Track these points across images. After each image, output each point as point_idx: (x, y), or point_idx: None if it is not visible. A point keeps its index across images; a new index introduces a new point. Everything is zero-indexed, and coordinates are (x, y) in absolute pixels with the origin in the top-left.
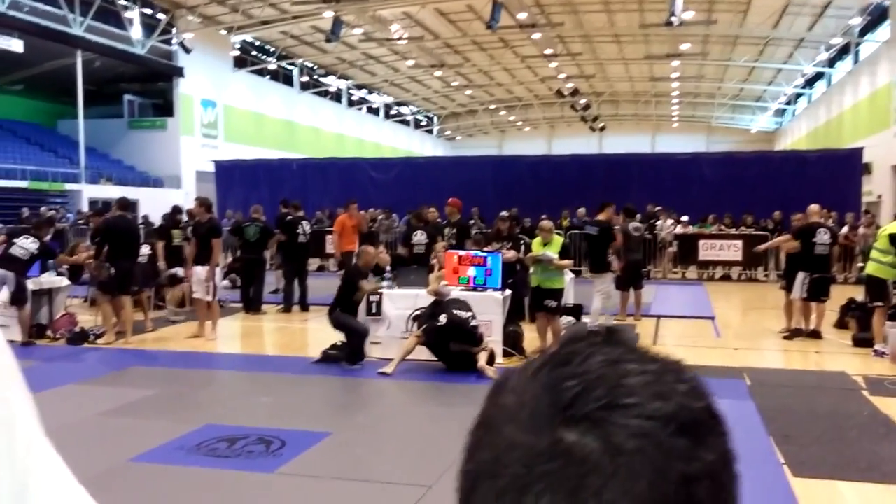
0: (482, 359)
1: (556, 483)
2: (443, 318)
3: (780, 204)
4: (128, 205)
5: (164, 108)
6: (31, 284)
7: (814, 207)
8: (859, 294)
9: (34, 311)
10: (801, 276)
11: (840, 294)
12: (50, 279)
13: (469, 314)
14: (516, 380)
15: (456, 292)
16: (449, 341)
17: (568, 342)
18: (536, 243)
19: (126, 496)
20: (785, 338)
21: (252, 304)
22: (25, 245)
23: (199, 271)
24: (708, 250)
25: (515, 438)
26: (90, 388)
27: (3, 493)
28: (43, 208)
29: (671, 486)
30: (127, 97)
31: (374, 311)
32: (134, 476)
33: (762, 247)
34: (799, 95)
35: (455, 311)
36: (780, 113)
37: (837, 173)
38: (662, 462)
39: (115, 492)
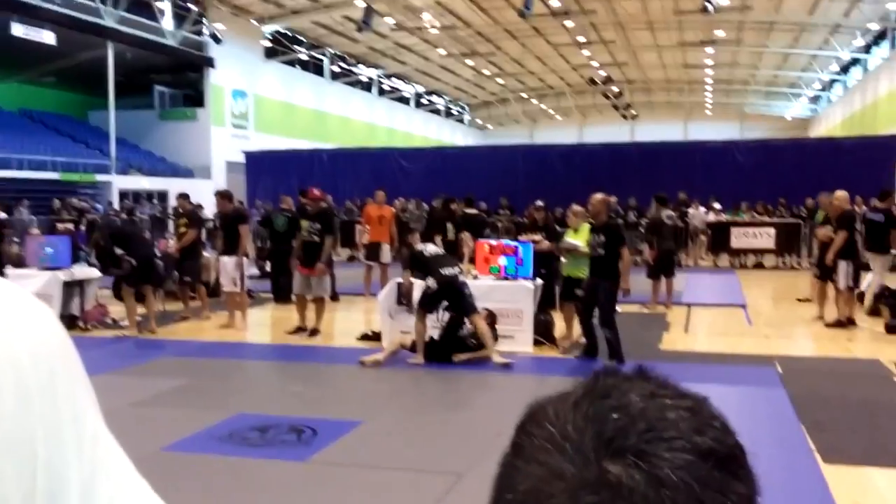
0: (494, 355)
1: None
2: (432, 283)
3: (814, 191)
4: (115, 218)
5: (195, 98)
6: (62, 275)
7: (842, 194)
8: (892, 281)
9: (66, 302)
10: (843, 264)
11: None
12: (82, 270)
13: (456, 269)
14: (554, 410)
15: (488, 282)
16: (442, 300)
17: (602, 375)
18: (569, 233)
19: (160, 485)
20: (828, 326)
21: (282, 294)
22: None
23: (227, 262)
24: (740, 238)
25: (560, 469)
26: (122, 379)
27: (74, 484)
28: (74, 199)
29: None
30: (158, 88)
31: (403, 301)
32: (167, 465)
33: (830, 257)
34: (834, 82)
35: (443, 271)
36: (815, 100)
37: (872, 161)
38: (704, 495)
39: (148, 480)
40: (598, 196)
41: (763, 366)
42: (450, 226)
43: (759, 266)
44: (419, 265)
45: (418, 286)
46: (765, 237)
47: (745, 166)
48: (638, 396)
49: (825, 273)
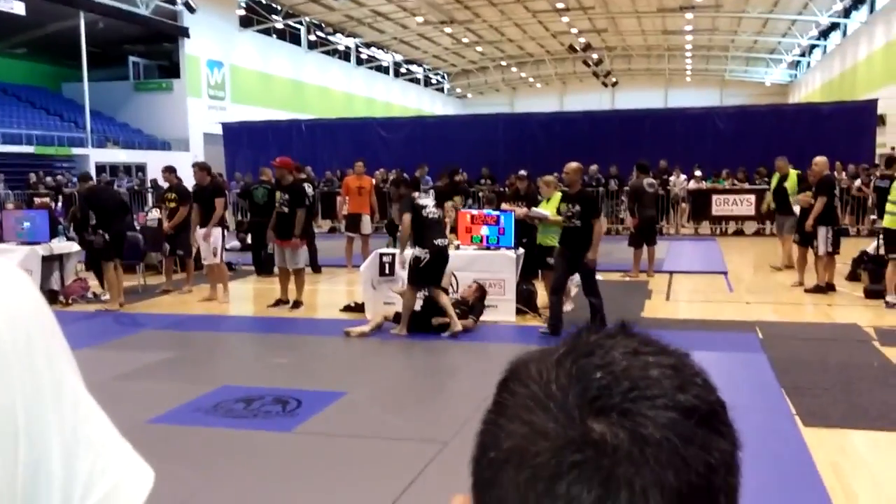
0: (456, 323)
1: (588, 472)
2: (423, 254)
3: (794, 157)
4: (88, 176)
5: (170, 69)
6: (41, 250)
7: (821, 159)
8: (871, 247)
9: (46, 277)
10: (822, 230)
11: (853, 247)
12: (61, 244)
13: (446, 240)
14: (536, 369)
15: (470, 251)
16: (438, 272)
17: (585, 332)
18: (543, 203)
19: (145, 457)
20: (807, 291)
21: (263, 267)
22: None
23: (201, 234)
24: (721, 205)
25: (543, 427)
26: (105, 352)
27: (56, 450)
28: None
29: (695, 474)
30: (132, 59)
31: (386, 271)
32: (153, 437)
33: (810, 222)
34: (814, 47)
35: (436, 241)
36: (795, 65)
37: (851, 126)
38: (687, 452)
39: (137, 451)
40: (573, 165)
41: (744, 331)
42: (458, 198)
43: (739, 233)
44: (416, 223)
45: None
46: (745, 204)
47: (726, 133)
48: (621, 354)
49: (805, 239)
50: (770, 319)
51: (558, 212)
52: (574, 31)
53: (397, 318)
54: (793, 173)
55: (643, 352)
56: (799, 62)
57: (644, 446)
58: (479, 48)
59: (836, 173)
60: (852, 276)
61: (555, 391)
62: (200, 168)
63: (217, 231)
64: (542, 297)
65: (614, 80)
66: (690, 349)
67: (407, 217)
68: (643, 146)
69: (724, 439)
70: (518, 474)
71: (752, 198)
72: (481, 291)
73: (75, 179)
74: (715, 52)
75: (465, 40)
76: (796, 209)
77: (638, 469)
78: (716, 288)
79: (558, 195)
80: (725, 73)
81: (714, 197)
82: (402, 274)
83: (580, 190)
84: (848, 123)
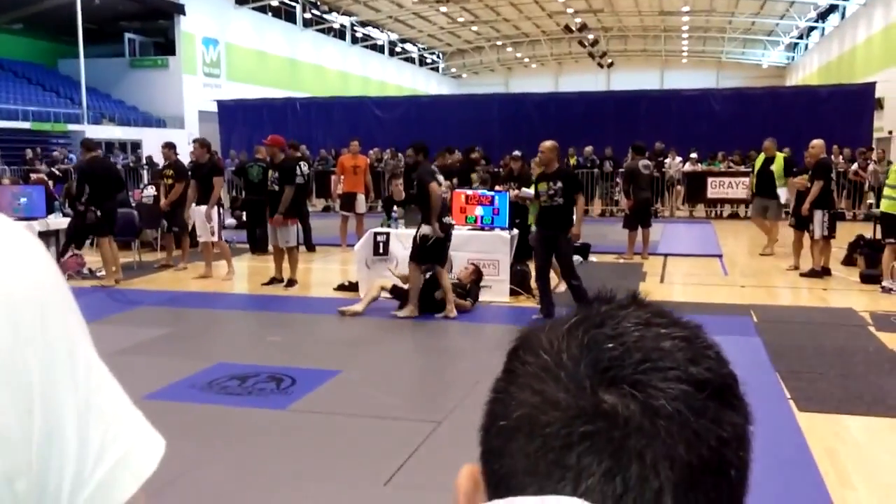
0: (451, 306)
1: (599, 443)
2: (430, 231)
3: (791, 140)
4: (93, 145)
5: (166, 46)
6: (37, 226)
7: (818, 143)
8: (868, 231)
9: None
10: (819, 214)
11: (849, 231)
12: (57, 220)
13: (452, 219)
14: (547, 338)
15: (465, 232)
16: (444, 251)
17: (597, 302)
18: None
19: None
20: (802, 275)
21: (258, 245)
22: None
23: (200, 211)
24: (717, 188)
25: (554, 397)
26: (101, 328)
27: (70, 413)
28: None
29: (706, 447)
30: (128, 35)
31: (381, 250)
32: (148, 413)
33: (806, 206)
34: (812, 29)
35: (444, 219)
36: (792, 47)
37: (849, 109)
38: (698, 425)
39: None
40: (548, 143)
41: (739, 315)
42: (475, 176)
43: (734, 216)
44: (424, 198)
45: (398, 235)
46: (741, 187)
47: (722, 115)
48: (633, 325)
49: (800, 223)
50: (765, 303)
51: (538, 192)
52: (570, 11)
53: (395, 291)
54: (780, 156)
55: (655, 323)
56: (797, 44)
57: (655, 418)
58: (474, 28)
59: (832, 157)
60: (848, 261)
61: (566, 361)
62: (201, 145)
63: (215, 210)
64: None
65: (610, 61)
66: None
67: (436, 186)
68: (639, 128)
69: (736, 413)
70: (528, 443)
71: (748, 181)
72: (478, 274)
73: (72, 156)
74: (712, 34)
75: (460, 20)
76: (781, 193)
77: (649, 441)
78: (711, 271)
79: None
80: (722, 55)
81: (710, 179)
82: (398, 253)
83: (559, 167)
84: (845, 106)
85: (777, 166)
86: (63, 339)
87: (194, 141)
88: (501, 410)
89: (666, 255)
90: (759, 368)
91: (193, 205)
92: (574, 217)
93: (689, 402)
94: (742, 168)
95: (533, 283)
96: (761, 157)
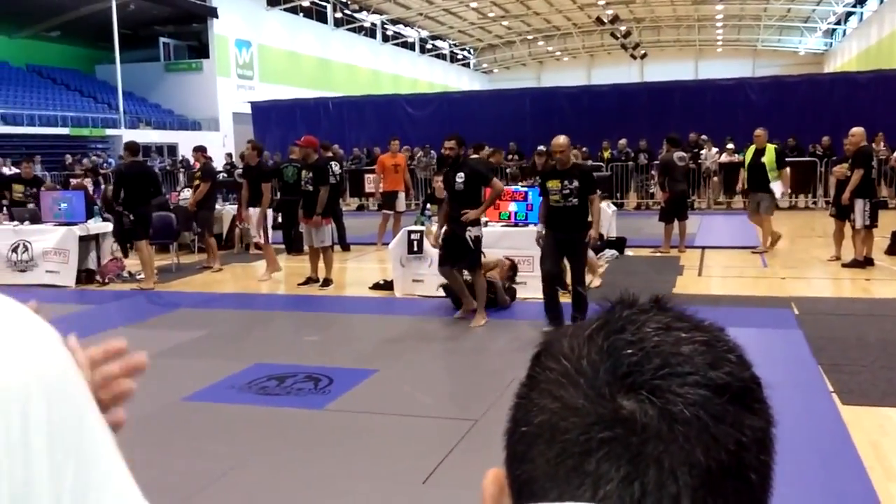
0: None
1: (617, 449)
2: (478, 230)
3: (830, 129)
4: (137, 148)
5: (200, 50)
6: (78, 230)
7: (858, 130)
8: None
9: (83, 257)
10: (860, 203)
11: (892, 220)
12: (97, 224)
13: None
14: (568, 344)
15: (499, 228)
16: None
17: (618, 307)
18: None
19: (184, 432)
20: (844, 266)
21: (294, 245)
22: None
23: (253, 213)
24: None
25: (574, 403)
26: (141, 331)
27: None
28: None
29: (725, 452)
30: (162, 40)
31: (415, 248)
32: (189, 414)
33: (846, 195)
34: (850, 14)
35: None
36: (830, 33)
37: (890, 95)
38: (717, 430)
39: (171, 429)
40: (561, 139)
41: (779, 307)
42: (510, 171)
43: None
44: (476, 193)
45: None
46: None
47: (758, 104)
48: (653, 330)
49: (841, 212)
50: (806, 295)
51: (549, 190)
52: (601, 2)
53: (449, 290)
54: (770, 147)
55: (676, 327)
56: (834, 30)
57: (673, 424)
58: (504, 22)
59: (873, 144)
60: (891, 250)
61: (585, 367)
62: (252, 147)
63: (263, 213)
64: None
65: (643, 52)
66: (724, 326)
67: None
68: (673, 119)
69: (756, 417)
70: (548, 450)
71: (787, 171)
72: (514, 270)
73: (111, 160)
74: (747, 22)
75: (490, 14)
76: (775, 187)
77: (667, 447)
78: (750, 263)
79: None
80: (758, 43)
81: None
82: (432, 251)
83: (575, 164)
84: (886, 92)
85: (768, 158)
86: (48, 459)
87: (248, 142)
88: (523, 416)
89: (703, 248)
90: (801, 362)
91: (247, 207)
92: (590, 218)
93: (707, 406)
94: None
95: (568, 279)
96: (751, 149)
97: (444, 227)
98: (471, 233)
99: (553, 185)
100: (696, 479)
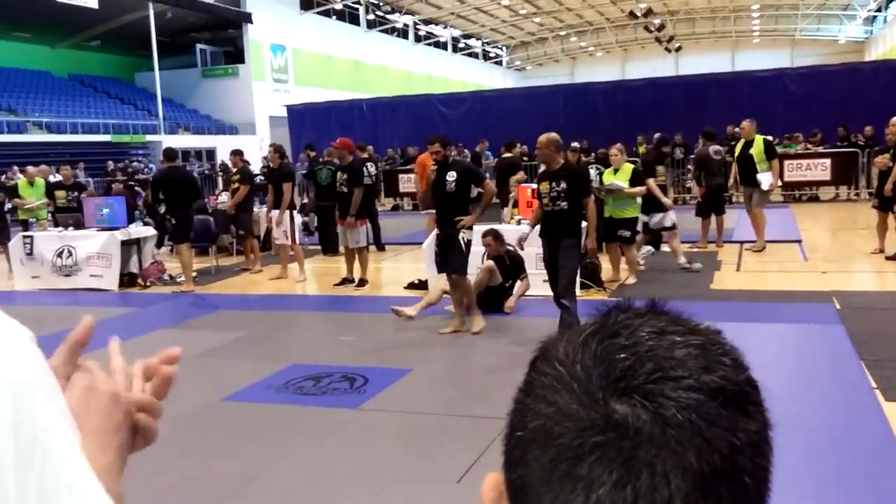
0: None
1: (610, 454)
2: (468, 235)
3: (872, 118)
4: (174, 155)
5: (235, 55)
6: (120, 235)
7: None
8: None
9: (125, 261)
10: None
11: None
12: (138, 229)
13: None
14: (563, 349)
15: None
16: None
17: (614, 311)
18: (609, 173)
19: (224, 432)
20: (888, 259)
21: (329, 246)
22: None
23: (274, 215)
24: (794, 171)
25: (567, 409)
26: (181, 332)
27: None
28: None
29: (718, 456)
30: (199, 47)
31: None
32: (229, 413)
33: (889, 186)
34: (890, 0)
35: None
36: (871, 20)
37: None
38: (710, 433)
39: (213, 428)
40: (544, 137)
41: (820, 302)
42: (662, 168)
43: (814, 199)
44: (467, 196)
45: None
46: (819, 169)
47: (797, 95)
48: (647, 334)
49: (884, 204)
50: (848, 289)
51: (540, 193)
52: None
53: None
54: (759, 138)
55: (670, 331)
56: (875, 17)
57: (665, 428)
58: (536, 19)
59: None
60: None
61: (579, 372)
62: (275, 150)
63: (286, 214)
64: (606, 270)
65: (678, 45)
66: (763, 321)
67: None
68: (709, 112)
69: (751, 420)
70: (543, 454)
71: (828, 162)
72: (515, 263)
73: (151, 166)
74: (784, 11)
75: (522, 12)
76: (763, 178)
77: (659, 451)
78: (789, 257)
79: (629, 166)
80: (796, 33)
81: (786, 162)
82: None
83: (564, 164)
84: None
85: (756, 150)
86: (11, 472)
87: (270, 146)
88: (519, 421)
89: (742, 243)
90: (843, 357)
91: (272, 209)
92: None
93: (700, 410)
94: (820, 149)
95: (603, 276)
96: (741, 142)
97: (437, 231)
98: (464, 236)
99: (543, 187)
100: (689, 482)
